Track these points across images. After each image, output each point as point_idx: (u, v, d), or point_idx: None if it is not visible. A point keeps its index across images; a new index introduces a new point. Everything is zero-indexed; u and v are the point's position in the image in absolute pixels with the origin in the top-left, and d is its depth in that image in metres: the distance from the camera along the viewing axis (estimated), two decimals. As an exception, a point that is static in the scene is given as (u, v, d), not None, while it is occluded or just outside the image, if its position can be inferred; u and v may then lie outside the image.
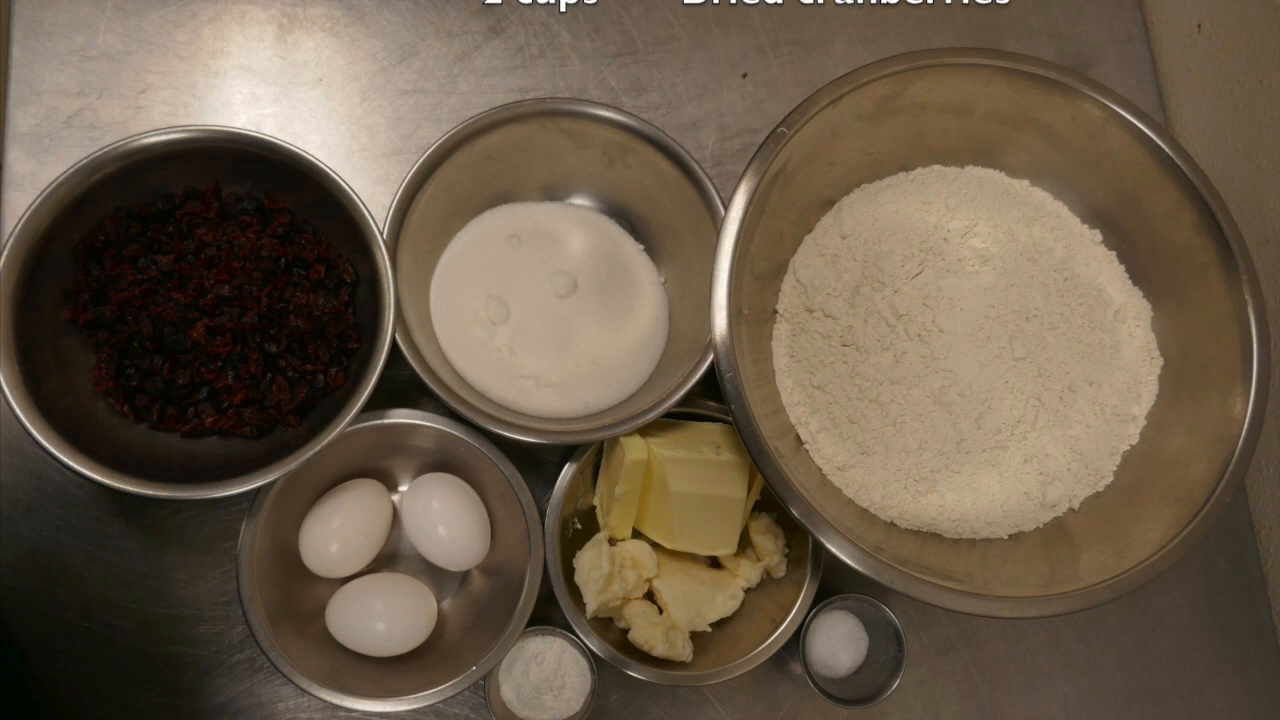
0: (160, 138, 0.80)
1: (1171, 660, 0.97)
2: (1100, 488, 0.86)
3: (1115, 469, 0.87)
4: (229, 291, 0.81)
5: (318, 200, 0.83)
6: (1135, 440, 0.87)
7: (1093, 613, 0.80)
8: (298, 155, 0.81)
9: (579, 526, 0.89)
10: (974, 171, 0.91)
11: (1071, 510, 0.86)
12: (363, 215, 0.81)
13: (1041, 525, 0.86)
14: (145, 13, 0.92)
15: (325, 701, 0.79)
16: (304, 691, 0.79)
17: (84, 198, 0.79)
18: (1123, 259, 0.90)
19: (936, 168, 0.91)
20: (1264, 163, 0.95)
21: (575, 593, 0.85)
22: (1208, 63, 1.02)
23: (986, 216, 0.89)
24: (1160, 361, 0.88)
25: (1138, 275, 0.90)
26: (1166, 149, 0.85)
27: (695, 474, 0.84)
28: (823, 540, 0.76)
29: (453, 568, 0.87)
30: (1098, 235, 0.90)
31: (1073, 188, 0.90)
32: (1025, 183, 0.91)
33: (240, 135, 0.81)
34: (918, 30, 1.04)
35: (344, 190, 0.81)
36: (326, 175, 0.81)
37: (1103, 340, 0.87)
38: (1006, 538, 0.85)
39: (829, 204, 0.90)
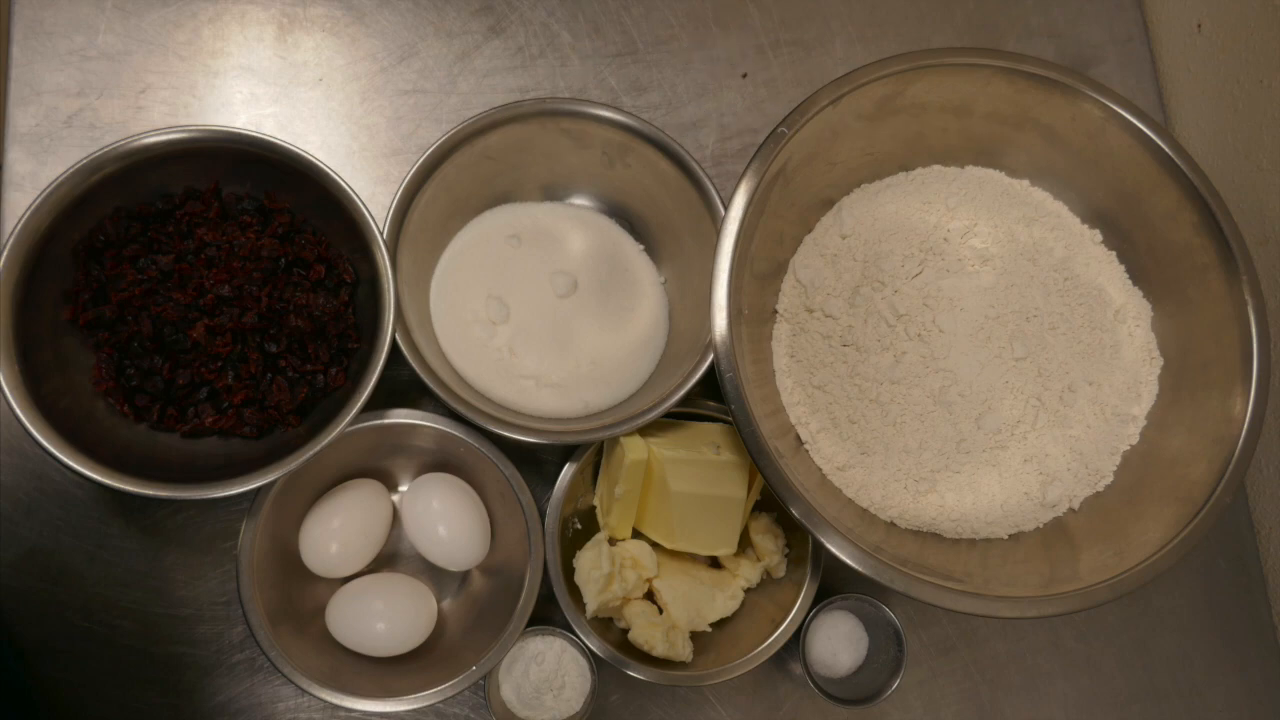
0: (160, 138, 0.80)
1: (1171, 660, 0.97)
2: (1100, 488, 0.86)
3: (1115, 469, 0.87)
4: (229, 291, 0.81)
5: (318, 200, 0.83)
6: (1135, 440, 0.87)
7: (1093, 613, 0.80)
8: (298, 155, 0.81)
9: (579, 526, 0.89)
10: (974, 171, 0.91)
11: (1071, 510, 0.86)
12: (363, 215, 0.81)
13: (1041, 525, 0.86)
14: (145, 13, 0.92)
15: (325, 701, 0.79)
16: (304, 691, 0.79)
17: (84, 198, 0.79)
18: (1123, 259, 0.90)
19: (936, 168, 0.91)
20: (1264, 162, 0.95)
21: (575, 593, 0.85)
22: (1208, 63, 1.02)
23: (986, 216, 0.89)
24: (1160, 361, 0.88)
25: (1138, 275, 0.90)
26: (1166, 149, 0.85)
27: (695, 474, 0.84)
28: (823, 540, 0.76)
29: (453, 568, 0.87)
30: (1098, 235, 0.90)
31: (1073, 188, 0.90)
32: (1025, 183, 0.91)
33: (240, 135, 0.81)
34: (918, 30, 1.04)
35: (344, 190, 0.81)
36: (326, 175, 0.81)
37: (1103, 340, 0.87)
38: (1006, 538, 0.85)
39: (829, 204, 0.90)
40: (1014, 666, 0.95)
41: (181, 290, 0.81)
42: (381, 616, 0.83)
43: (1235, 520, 0.99)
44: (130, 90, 0.91)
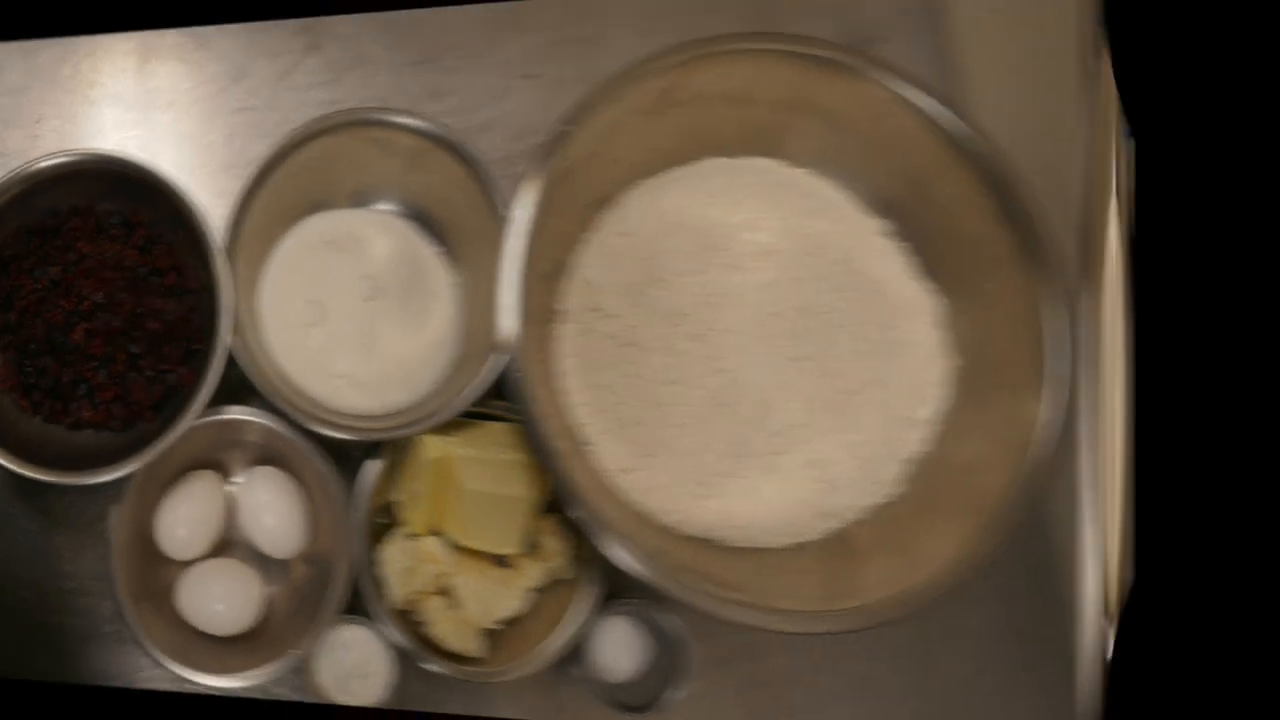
0: (50, 162, 0.90)
1: (966, 684, 0.87)
2: (886, 497, 0.80)
3: (902, 477, 0.80)
4: (103, 298, 0.90)
5: (170, 214, 0.90)
6: (924, 446, 0.80)
7: (880, 630, 0.74)
8: (151, 174, 0.89)
9: (385, 521, 0.91)
10: (756, 162, 0.86)
11: (856, 520, 0.80)
12: (204, 227, 0.88)
13: (823, 535, 0.81)
14: (40, 51, 1.03)
15: (173, 674, 0.87)
16: (158, 664, 0.86)
17: (-7, 218, 0.91)
18: (916, 251, 0.83)
19: (720, 160, 0.87)
20: (1064, 137, 0.84)
21: (380, 585, 0.88)
22: (1005, 34, 0.91)
23: (769, 209, 0.84)
24: (952, 361, 0.80)
25: (931, 268, 0.82)
26: (956, 129, 0.77)
27: (488, 473, 0.85)
28: (599, 543, 0.76)
29: (276, 555, 0.92)
30: (886, 226, 0.83)
31: (860, 176, 0.84)
32: (807, 172, 0.85)
33: (108, 157, 0.91)
34: (700, 19, 0.97)
35: (187, 204, 0.88)
36: (173, 191, 0.88)
37: (889, 339, 0.81)
38: (787, 547, 0.81)
39: (612, 201, 0.88)
40: (794, 683, 0.89)
41: (66, 298, 0.91)
42: (220, 598, 0.90)
43: (1036, 539, 0.88)
44: (28, 121, 1.02)
